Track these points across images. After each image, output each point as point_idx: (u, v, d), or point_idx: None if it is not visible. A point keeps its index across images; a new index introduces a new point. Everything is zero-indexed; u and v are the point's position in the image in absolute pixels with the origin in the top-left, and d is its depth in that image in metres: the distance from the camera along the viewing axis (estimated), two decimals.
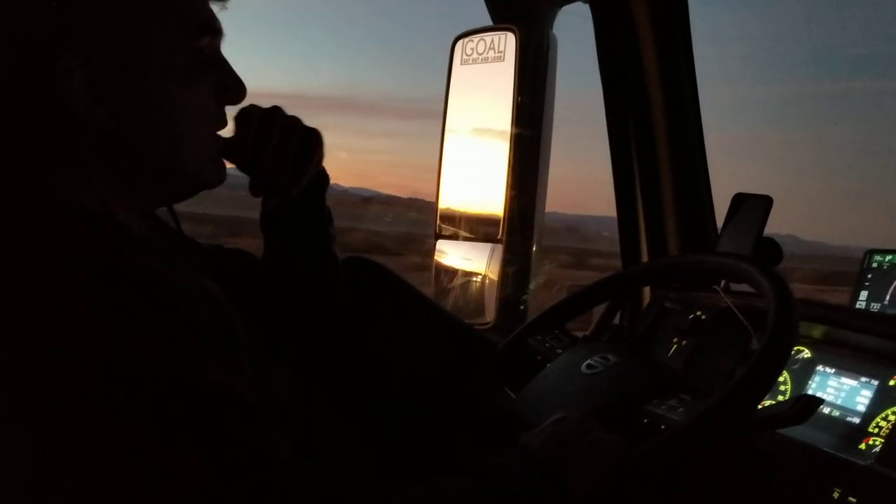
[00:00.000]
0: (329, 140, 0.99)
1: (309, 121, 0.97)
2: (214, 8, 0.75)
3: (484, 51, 1.90)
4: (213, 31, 0.74)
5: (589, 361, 0.99)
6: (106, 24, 0.67)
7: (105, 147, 0.70)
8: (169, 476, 0.56)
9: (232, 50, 0.78)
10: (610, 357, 0.99)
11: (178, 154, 0.74)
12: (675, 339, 1.32)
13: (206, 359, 0.61)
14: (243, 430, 0.59)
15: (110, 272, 0.60)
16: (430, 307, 1.34)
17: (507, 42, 1.85)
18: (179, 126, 0.73)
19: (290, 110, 0.95)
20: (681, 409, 0.86)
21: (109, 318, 0.58)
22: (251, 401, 0.62)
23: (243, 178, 0.97)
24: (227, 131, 0.86)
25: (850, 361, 1.11)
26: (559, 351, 1.09)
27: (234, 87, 0.78)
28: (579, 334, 1.35)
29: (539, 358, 1.10)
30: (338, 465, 0.85)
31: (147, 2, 0.69)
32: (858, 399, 1.06)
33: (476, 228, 1.96)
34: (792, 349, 0.86)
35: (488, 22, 1.92)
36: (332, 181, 1.04)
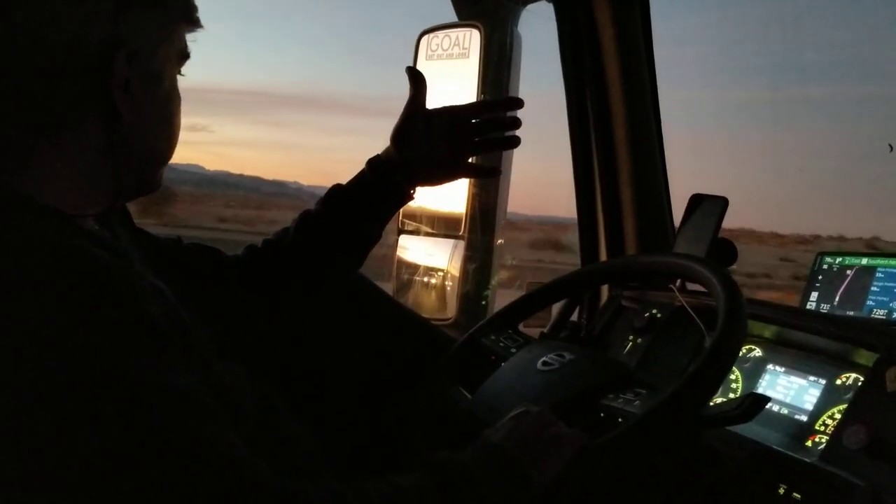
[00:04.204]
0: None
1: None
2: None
3: (449, 47, 1.90)
4: (188, 55, 0.80)
5: (544, 359, 0.99)
6: (149, 32, 0.73)
7: (109, 139, 0.73)
8: (121, 474, 0.55)
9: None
10: (565, 354, 1.00)
11: (164, 159, 0.80)
12: (631, 337, 1.33)
13: (159, 356, 0.61)
14: (197, 428, 0.59)
15: (64, 267, 0.60)
16: (389, 302, 1.34)
17: (472, 39, 1.85)
18: (172, 133, 0.80)
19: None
20: (636, 402, 0.88)
21: (63, 314, 0.57)
22: (205, 399, 0.62)
23: None
24: None
25: (799, 361, 1.13)
26: (513, 350, 1.09)
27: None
28: (537, 331, 1.36)
29: (493, 358, 1.10)
30: (291, 463, 0.85)
31: (171, 19, 0.76)
32: (806, 398, 1.09)
33: (438, 225, 1.96)
34: (740, 347, 0.87)
35: (454, 18, 1.92)
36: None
